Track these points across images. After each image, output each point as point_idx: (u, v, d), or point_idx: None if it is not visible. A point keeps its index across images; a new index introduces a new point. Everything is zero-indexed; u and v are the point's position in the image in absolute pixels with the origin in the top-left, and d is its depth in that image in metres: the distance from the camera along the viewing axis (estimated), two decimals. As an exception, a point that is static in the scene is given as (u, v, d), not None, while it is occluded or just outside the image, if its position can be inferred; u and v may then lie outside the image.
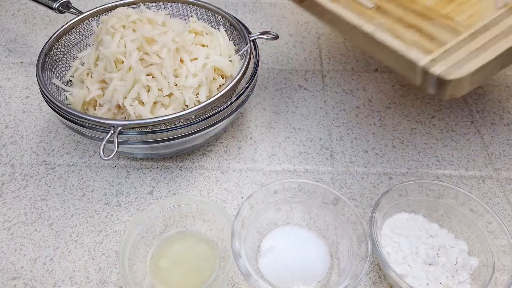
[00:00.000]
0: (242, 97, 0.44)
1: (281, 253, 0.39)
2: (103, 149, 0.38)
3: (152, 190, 0.47)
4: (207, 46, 0.48)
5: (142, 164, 0.49)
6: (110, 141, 0.39)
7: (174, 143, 0.43)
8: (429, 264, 0.38)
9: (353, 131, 0.52)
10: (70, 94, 0.46)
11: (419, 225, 0.41)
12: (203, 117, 0.42)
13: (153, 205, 0.41)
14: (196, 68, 0.45)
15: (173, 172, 0.48)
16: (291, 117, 0.54)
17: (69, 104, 0.45)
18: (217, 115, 0.43)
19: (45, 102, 0.45)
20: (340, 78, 0.59)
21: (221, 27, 0.51)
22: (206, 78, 0.45)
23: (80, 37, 0.52)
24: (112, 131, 0.39)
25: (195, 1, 0.53)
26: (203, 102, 0.41)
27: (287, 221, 0.43)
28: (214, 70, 0.46)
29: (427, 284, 0.37)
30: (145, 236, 0.41)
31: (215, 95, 0.41)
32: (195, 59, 0.46)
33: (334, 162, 0.49)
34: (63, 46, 0.49)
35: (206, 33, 0.50)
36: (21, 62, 0.61)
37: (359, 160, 0.49)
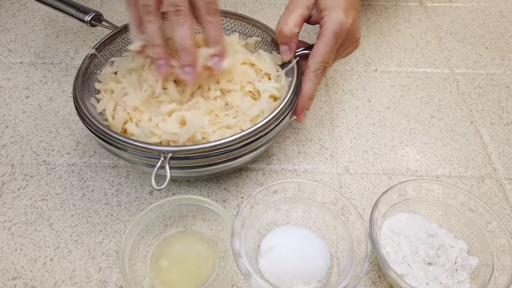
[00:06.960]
0: (289, 113, 0.43)
1: (281, 253, 0.40)
2: (154, 177, 0.36)
3: (152, 190, 0.47)
4: (255, 66, 0.47)
5: (142, 164, 0.49)
6: (162, 167, 0.37)
7: (224, 166, 0.41)
8: (429, 263, 0.39)
9: (352, 131, 0.52)
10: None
11: (418, 224, 0.41)
12: (255, 138, 0.40)
13: (153, 205, 0.41)
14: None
15: (173, 172, 0.48)
16: (291, 117, 0.54)
17: (109, 126, 0.43)
18: (267, 135, 0.41)
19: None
20: (340, 78, 0.59)
21: (260, 51, 0.49)
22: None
23: (115, 52, 0.50)
24: (163, 157, 0.37)
25: (232, 13, 0.52)
26: (257, 124, 0.40)
27: (287, 221, 0.43)
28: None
29: (427, 284, 0.37)
30: (145, 236, 0.41)
31: (268, 116, 0.40)
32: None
33: (334, 162, 0.49)
34: (98, 62, 0.47)
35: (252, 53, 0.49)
36: (21, 62, 0.61)
37: (359, 160, 0.50)
